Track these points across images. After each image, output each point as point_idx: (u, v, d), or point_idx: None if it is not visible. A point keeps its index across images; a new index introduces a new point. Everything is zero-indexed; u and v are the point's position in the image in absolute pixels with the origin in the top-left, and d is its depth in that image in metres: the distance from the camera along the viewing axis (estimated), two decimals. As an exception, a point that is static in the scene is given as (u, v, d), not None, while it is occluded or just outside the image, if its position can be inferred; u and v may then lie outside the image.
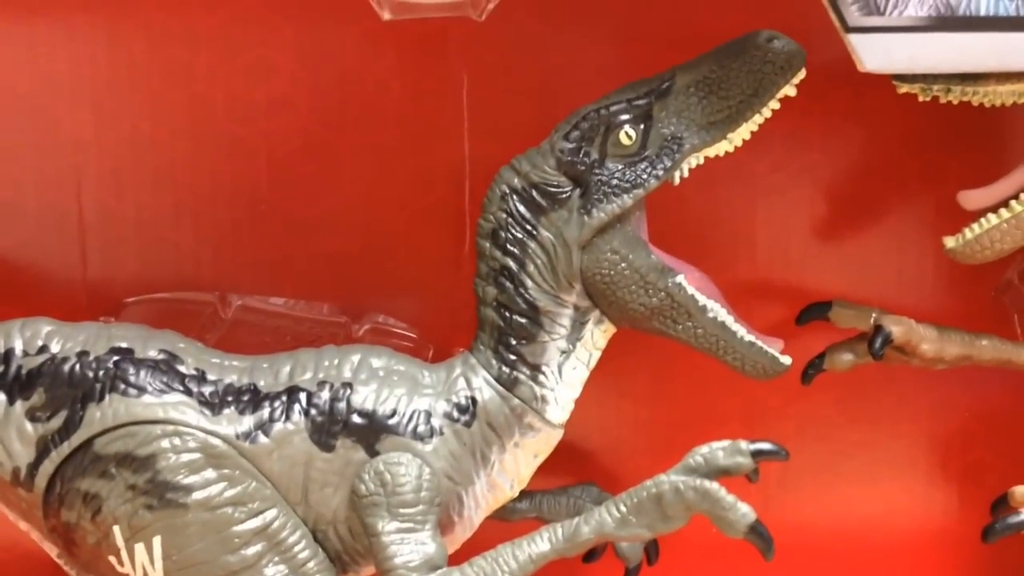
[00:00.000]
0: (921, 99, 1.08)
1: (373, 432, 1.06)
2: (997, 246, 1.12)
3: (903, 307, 1.23)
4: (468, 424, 1.07)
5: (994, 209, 1.13)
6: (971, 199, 1.17)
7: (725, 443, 1.02)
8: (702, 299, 1.08)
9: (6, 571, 1.25)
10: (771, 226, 1.30)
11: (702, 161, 1.08)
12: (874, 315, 1.21)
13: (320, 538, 1.06)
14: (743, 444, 1.01)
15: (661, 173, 1.07)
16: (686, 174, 1.08)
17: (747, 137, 1.08)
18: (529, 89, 1.24)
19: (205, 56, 1.23)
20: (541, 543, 1.02)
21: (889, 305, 1.23)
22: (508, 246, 1.07)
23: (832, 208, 1.30)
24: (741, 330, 1.09)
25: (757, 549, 1.00)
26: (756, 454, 1.01)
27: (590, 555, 1.26)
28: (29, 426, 1.03)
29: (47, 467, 1.03)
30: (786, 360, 1.10)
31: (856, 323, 1.23)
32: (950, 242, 1.14)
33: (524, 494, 1.16)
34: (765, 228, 1.30)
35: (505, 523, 1.21)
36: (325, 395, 1.06)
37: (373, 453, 1.05)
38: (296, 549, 1.05)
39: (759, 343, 1.09)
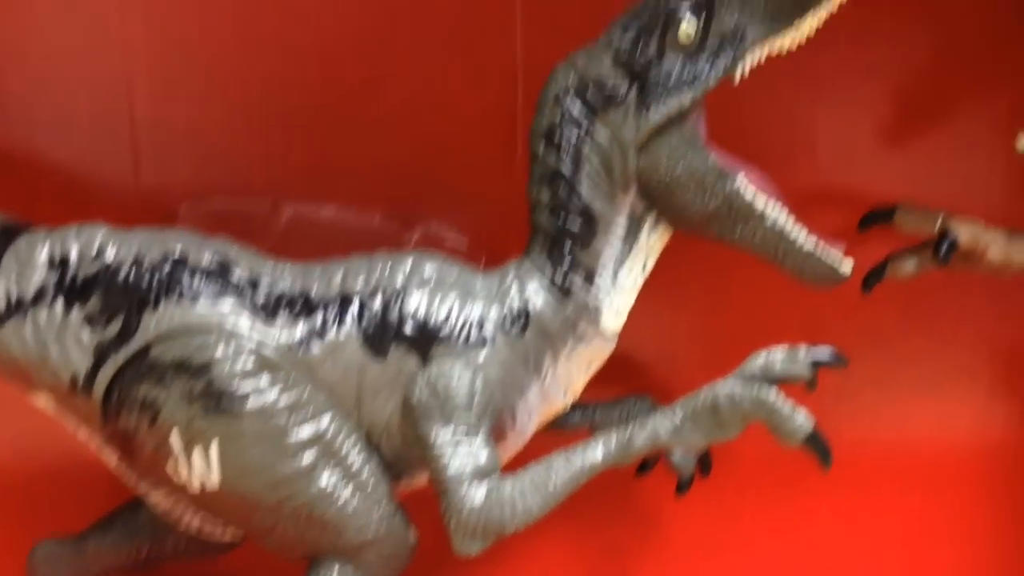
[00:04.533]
0: None
1: (425, 340, 1.05)
2: (1074, 146, 1.08)
3: (972, 212, 1.18)
4: (521, 332, 1.06)
5: (1072, 108, 1.08)
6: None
7: (783, 350, 1.00)
8: (761, 203, 1.05)
9: (66, 480, 1.28)
10: (833, 127, 1.25)
11: (763, 59, 1.04)
12: (940, 218, 1.17)
13: (374, 445, 1.06)
14: (802, 352, 0.99)
15: (722, 69, 1.03)
16: (747, 72, 1.04)
17: (811, 33, 1.03)
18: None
19: (253, -44, 1.20)
20: (594, 451, 1.02)
21: (957, 210, 1.19)
22: (562, 147, 1.05)
23: (899, 107, 1.25)
24: (801, 235, 1.06)
25: (814, 458, 0.98)
26: (815, 363, 0.99)
27: (643, 467, 1.25)
28: (86, 333, 1.04)
29: (105, 374, 1.04)
30: (847, 267, 1.07)
31: (921, 227, 1.19)
32: (1024, 143, 1.09)
33: (577, 405, 1.15)
34: (827, 129, 1.25)
35: (557, 434, 1.20)
36: (377, 302, 1.06)
37: (426, 361, 1.05)
38: (351, 455, 1.05)
39: (820, 249, 1.06)
